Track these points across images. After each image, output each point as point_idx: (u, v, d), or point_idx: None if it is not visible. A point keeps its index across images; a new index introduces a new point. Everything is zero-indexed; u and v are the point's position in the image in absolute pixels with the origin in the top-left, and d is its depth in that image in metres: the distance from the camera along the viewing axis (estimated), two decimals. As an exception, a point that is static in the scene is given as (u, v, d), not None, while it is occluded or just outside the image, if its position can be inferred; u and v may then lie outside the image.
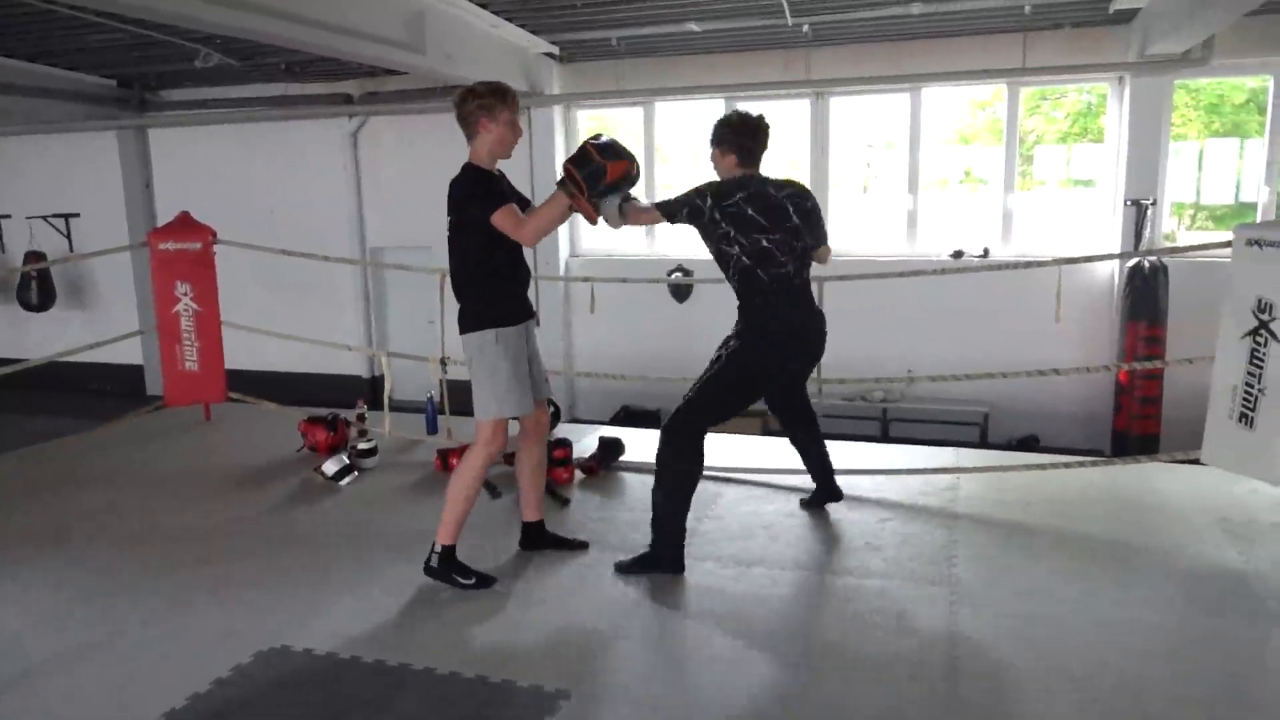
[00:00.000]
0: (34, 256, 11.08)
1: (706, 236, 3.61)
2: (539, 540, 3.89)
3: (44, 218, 11.37)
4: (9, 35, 7.97)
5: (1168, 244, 8.16)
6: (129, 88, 10.37)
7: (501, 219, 3.31)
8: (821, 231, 3.79)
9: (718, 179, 3.68)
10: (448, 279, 5.46)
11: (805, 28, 7.54)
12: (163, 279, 5.94)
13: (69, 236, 11.40)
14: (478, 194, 3.37)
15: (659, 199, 3.71)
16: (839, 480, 4.34)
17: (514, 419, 3.61)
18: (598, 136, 3.36)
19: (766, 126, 3.68)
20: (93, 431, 5.92)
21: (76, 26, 7.47)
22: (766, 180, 3.66)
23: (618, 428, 6.04)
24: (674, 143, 9.67)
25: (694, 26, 7.54)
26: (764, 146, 3.69)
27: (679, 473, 3.56)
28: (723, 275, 3.72)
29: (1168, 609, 3.33)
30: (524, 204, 3.56)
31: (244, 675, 2.97)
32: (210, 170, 10.61)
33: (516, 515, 4.07)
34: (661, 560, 3.63)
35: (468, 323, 3.49)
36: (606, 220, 3.46)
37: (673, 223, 3.63)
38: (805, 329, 3.72)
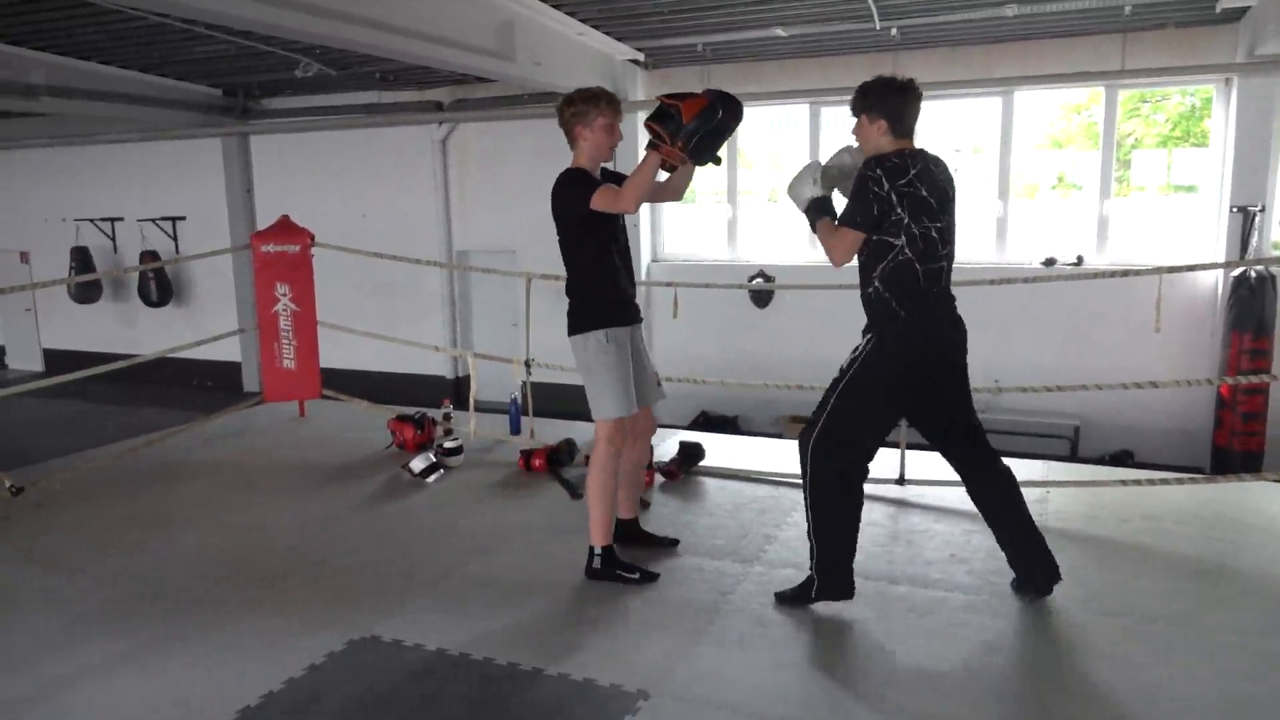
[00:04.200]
0: (149, 256, 11.71)
1: (877, 226, 3.11)
2: (631, 538, 3.93)
3: (153, 220, 11.98)
4: (125, 48, 8.43)
5: (1276, 253, 7.79)
6: (234, 96, 10.87)
7: (600, 199, 3.37)
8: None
9: (879, 154, 3.16)
10: (532, 282, 5.64)
11: (894, 31, 7.44)
12: (264, 280, 6.19)
13: (175, 239, 11.97)
14: (572, 191, 3.44)
15: (843, 215, 3.20)
16: (918, 492, 4.04)
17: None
18: (669, 94, 3.39)
19: (920, 92, 3.23)
20: (196, 425, 6.21)
21: (187, 39, 7.85)
22: (928, 155, 3.22)
23: (696, 432, 6.06)
24: (757, 148, 9.65)
25: (780, 32, 7.52)
26: (918, 114, 3.22)
27: (828, 488, 3.24)
28: (859, 278, 3.25)
29: (1270, 634, 3.19)
30: None
31: (336, 662, 3.08)
32: (307, 175, 11.02)
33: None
34: (818, 585, 3.33)
35: (576, 323, 3.55)
36: (706, 162, 3.41)
37: (876, 234, 3.12)
38: (951, 341, 3.27)
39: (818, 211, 3.33)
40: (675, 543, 3.97)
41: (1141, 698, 2.80)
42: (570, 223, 3.50)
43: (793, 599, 3.41)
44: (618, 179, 3.59)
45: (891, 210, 3.08)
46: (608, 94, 3.53)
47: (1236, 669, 2.96)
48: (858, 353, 3.24)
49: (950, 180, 3.26)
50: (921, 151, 3.21)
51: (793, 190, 3.42)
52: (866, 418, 3.25)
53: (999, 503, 3.43)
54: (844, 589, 3.34)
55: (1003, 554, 3.53)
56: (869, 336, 3.25)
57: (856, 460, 3.28)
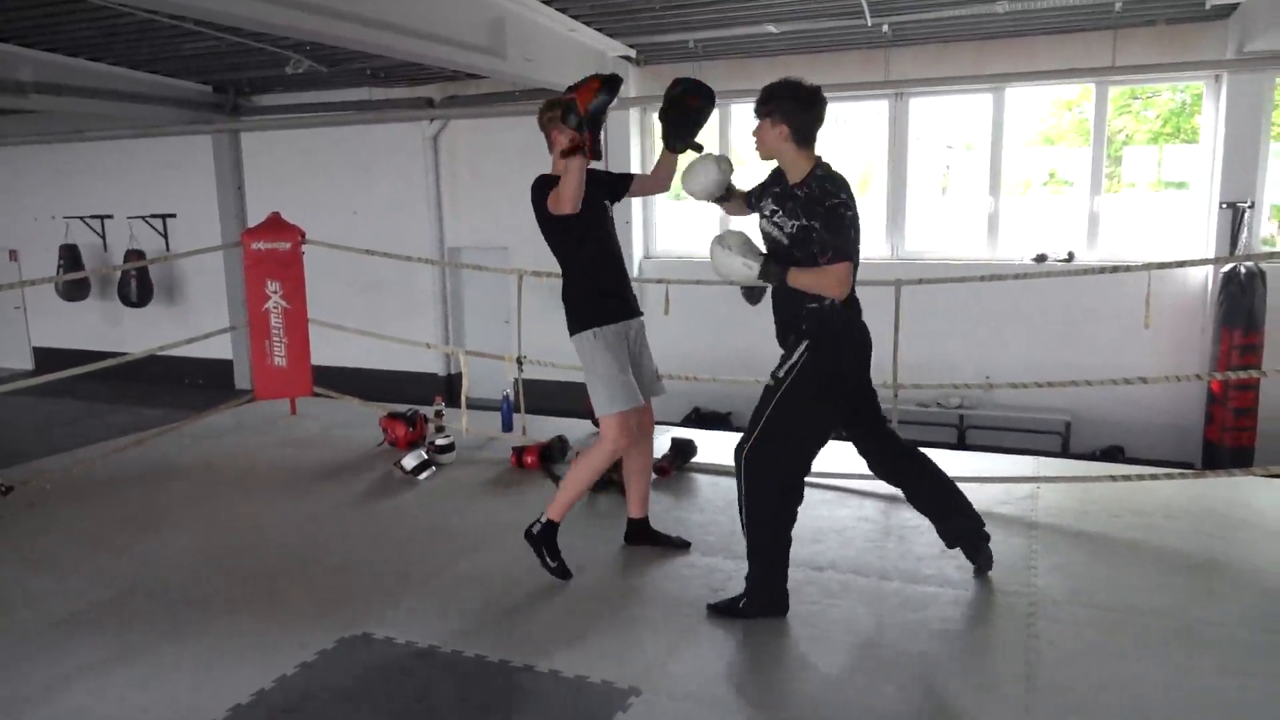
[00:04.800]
0: (134, 255, 11.64)
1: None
2: (642, 536, 3.95)
3: (143, 218, 11.92)
4: (114, 45, 8.38)
5: (1266, 249, 7.82)
6: (224, 93, 10.81)
7: (550, 201, 3.43)
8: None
9: (829, 174, 3.12)
10: (524, 279, 5.63)
11: (885, 28, 7.44)
12: (254, 277, 6.17)
13: (166, 236, 11.91)
14: (538, 196, 3.50)
15: (830, 251, 3.07)
16: None
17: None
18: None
19: (825, 100, 3.18)
20: (187, 423, 6.19)
21: (176, 35, 7.81)
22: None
23: (689, 429, 6.06)
24: (748, 144, 9.63)
25: (772, 28, 7.52)
26: (821, 122, 3.18)
27: (767, 510, 3.23)
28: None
29: (1261, 627, 3.21)
30: (626, 181, 3.77)
31: (328, 660, 3.08)
32: (297, 172, 10.98)
33: (595, 511, 4.13)
34: (749, 601, 3.29)
35: (571, 324, 3.63)
36: (682, 149, 3.51)
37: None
38: (869, 346, 3.34)
39: (771, 273, 3.14)
40: (687, 545, 3.96)
41: (1131, 691, 2.82)
42: (546, 227, 3.56)
43: (724, 611, 3.33)
44: (618, 179, 3.68)
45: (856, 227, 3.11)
46: None
47: (1227, 663, 2.97)
48: (793, 363, 3.18)
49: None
50: (827, 164, 3.18)
51: (724, 273, 3.19)
52: (807, 427, 3.22)
53: (918, 469, 3.53)
54: (779, 605, 3.30)
55: (992, 549, 3.61)
56: (803, 346, 3.18)
57: (796, 472, 3.24)
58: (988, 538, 3.58)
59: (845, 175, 3.20)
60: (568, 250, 3.60)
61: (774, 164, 3.32)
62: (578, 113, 3.26)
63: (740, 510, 3.28)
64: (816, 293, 3.13)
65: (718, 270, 3.21)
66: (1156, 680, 2.87)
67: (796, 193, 3.17)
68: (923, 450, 3.64)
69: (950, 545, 3.60)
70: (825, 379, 3.19)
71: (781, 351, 3.28)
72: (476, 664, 3.03)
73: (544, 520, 3.67)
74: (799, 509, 3.29)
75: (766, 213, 3.30)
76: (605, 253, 3.63)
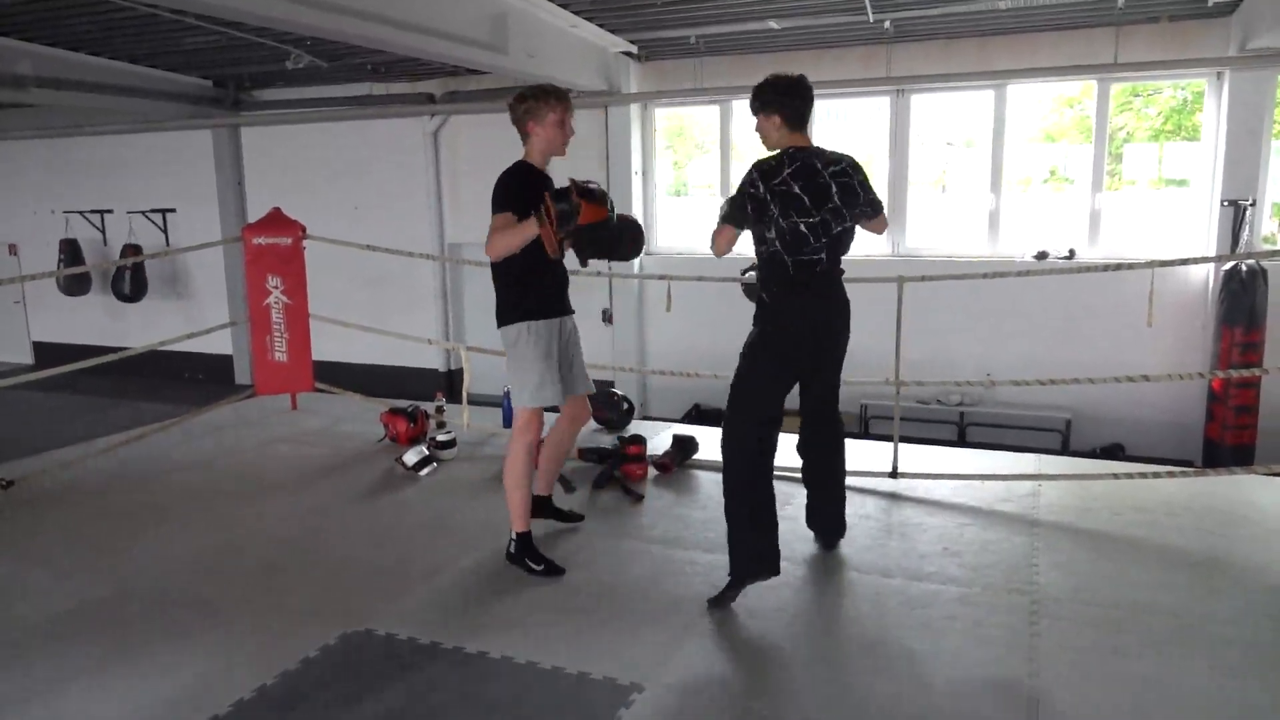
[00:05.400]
0: (130, 249, 11.62)
1: (756, 221, 3.36)
2: (543, 511, 4.04)
3: (143, 213, 11.89)
4: (115, 38, 8.36)
5: (1267, 247, 7.81)
6: (224, 88, 10.79)
7: (492, 221, 3.48)
8: (874, 199, 3.54)
9: (761, 158, 3.42)
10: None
11: (887, 24, 7.43)
12: (255, 272, 6.16)
13: (165, 231, 11.89)
14: (501, 192, 3.54)
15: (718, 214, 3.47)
16: (910, 485, 4.19)
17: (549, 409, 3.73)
18: (589, 182, 3.46)
19: (810, 86, 3.47)
20: (187, 418, 6.18)
21: (176, 30, 7.79)
22: (816, 152, 3.40)
23: (689, 425, 6.05)
24: (750, 141, 9.62)
25: (774, 24, 7.50)
26: (810, 107, 3.46)
27: (735, 476, 3.38)
28: None
29: (1262, 626, 3.21)
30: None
31: (330, 655, 3.08)
32: (298, 168, 10.96)
33: (597, 507, 4.11)
34: (741, 565, 3.36)
35: (502, 315, 3.66)
36: (583, 261, 3.57)
37: (746, 228, 3.43)
38: (825, 326, 3.51)
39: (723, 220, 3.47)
40: (581, 518, 4.19)
41: (1133, 689, 2.82)
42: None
43: (718, 599, 3.38)
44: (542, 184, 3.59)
45: (766, 208, 3.30)
46: (558, 90, 3.66)
47: (1227, 661, 2.97)
48: (747, 341, 3.49)
49: (840, 175, 3.39)
50: (808, 148, 3.40)
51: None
52: (760, 392, 3.42)
53: (832, 448, 3.81)
54: (767, 564, 3.36)
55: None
56: (755, 326, 3.50)
57: (763, 435, 3.40)
58: (843, 533, 3.91)
59: (843, 159, 3.46)
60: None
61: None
62: (573, 216, 3.31)
63: (724, 485, 3.44)
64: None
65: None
66: (1159, 678, 2.87)
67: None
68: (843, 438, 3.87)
69: (811, 524, 3.89)
70: (763, 350, 3.43)
71: None
72: (478, 661, 3.03)
73: (513, 536, 3.71)
74: (773, 477, 3.42)
75: None
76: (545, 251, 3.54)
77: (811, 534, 3.93)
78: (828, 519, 3.89)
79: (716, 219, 3.49)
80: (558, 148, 3.66)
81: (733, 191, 3.44)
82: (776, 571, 3.37)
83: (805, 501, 3.92)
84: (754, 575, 3.35)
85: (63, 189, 12.36)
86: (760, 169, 3.35)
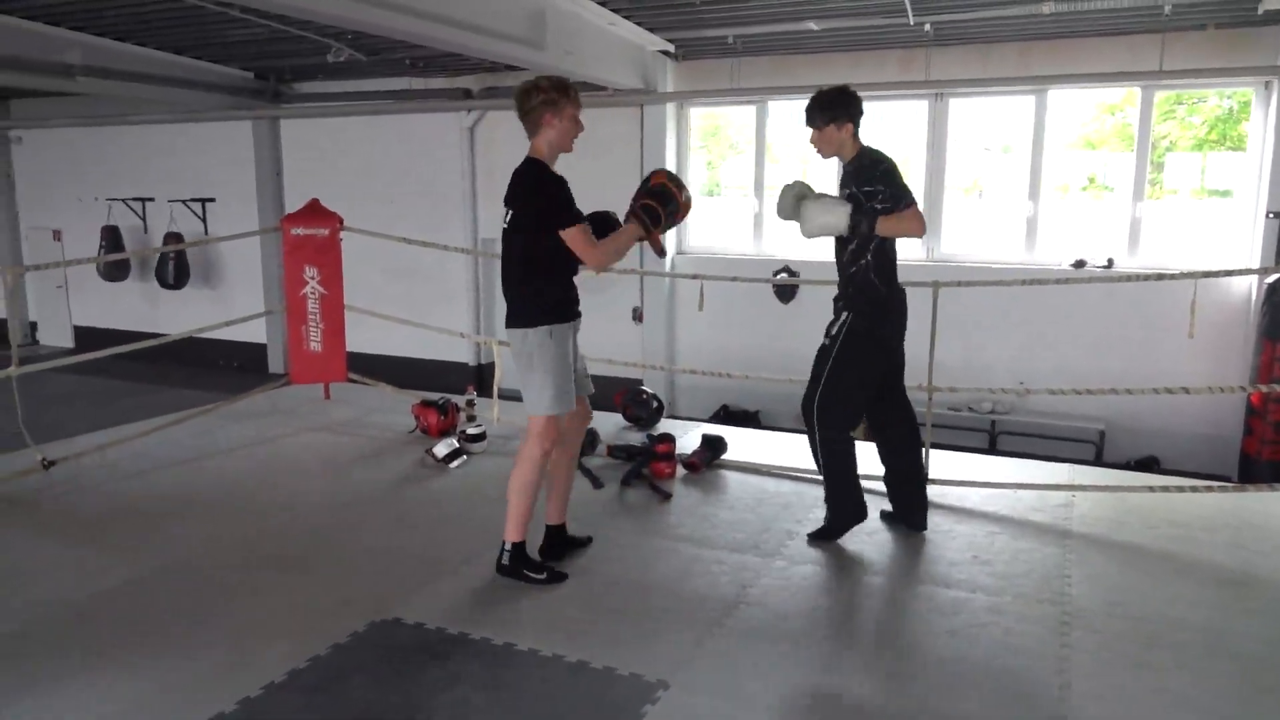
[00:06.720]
0: (172, 238, 11.81)
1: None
2: (560, 546, 3.76)
3: (183, 201, 12.09)
4: (160, 30, 8.50)
5: (1313, 260, 7.66)
6: (265, 80, 10.93)
7: (574, 238, 3.32)
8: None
9: (878, 157, 3.68)
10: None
11: (927, 26, 7.37)
12: (293, 262, 6.22)
13: (204, 220, 12.08)
14: (558, 200, 3.34)
15: (900, 200, 3.64)
16: (942, 492, 4.23)
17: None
18: (659, 171, 3.50)
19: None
20: (223, 405, 6.27)
21: (221, 22, 7.91)
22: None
23: (717, 426, 6.05)
24: (785, 143, 9.59)
25: (813, 25, 7.47)
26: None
27: (839, 441, 3.80)
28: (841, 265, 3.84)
29: (1300, 646, 3.15)
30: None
31: (360, 642, 3.12)
32: (335, 159, 11.08)
33: (624, 504, 4.12)
34: (836, 518, 3.90)
35: (524, 318, 3.45)
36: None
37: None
38: (905, 312, 3.89)
39: (861, 220, 3.62)
40: (589, 540, 3.90)
41: (1164, 705, 2.78)
42: (532, 220, 3.38)
43: (819, 535, 3.94)
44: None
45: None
46: (574, 85, 3.49)
47: (1262, 680, 2.93)
48: (840, 325, 3.76)
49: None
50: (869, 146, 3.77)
51: (820, 222, 3.67)
52: (857, 378, 3.78)
53: (911, 440, 4.04)
54: (859, 512, 3.90)
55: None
56: (847, 312, 3.76)
57: (854, 414, 3.88)
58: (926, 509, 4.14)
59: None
60: (550, 247, 3.36)
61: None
62: (675, 214, 3.44)
63: (814, 452, 3.86)
64: (901, 235, 3.67)
65: (808, 224, 3.67)
66: (1190, 694, 2.83)
67: (848, 168, 3.78)
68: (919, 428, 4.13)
69: (895, 508, 4.12)
70: (866, 338, 3.74)
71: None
72: (504, 652, 3.05)
73: (508, 547, 3.54)
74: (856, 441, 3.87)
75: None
76: (572, 255, 3.44)
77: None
78: (914, 497, 4.10)
79: (898, 202, 3.60)
80: (568, 144, 3.46)
81: (841, 205, 3.65)
82: (866, 517, 3.92)
83: (886, 491, 4.16)
84: (856, 519, 3.90)
85: (106, 177, 12.59)
86: (891, 164, 3.68)
